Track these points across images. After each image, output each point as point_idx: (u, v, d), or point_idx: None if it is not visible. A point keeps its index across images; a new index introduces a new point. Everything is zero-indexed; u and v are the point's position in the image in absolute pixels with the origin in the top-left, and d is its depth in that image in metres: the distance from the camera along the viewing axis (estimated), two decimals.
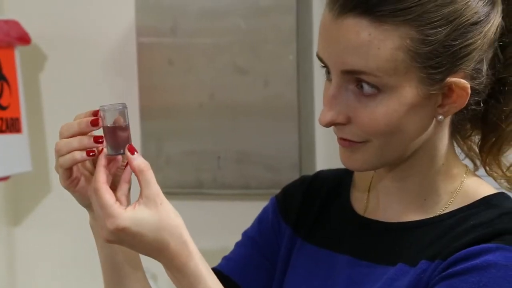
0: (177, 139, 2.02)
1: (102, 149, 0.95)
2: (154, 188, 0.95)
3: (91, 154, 0.95)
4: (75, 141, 0.96)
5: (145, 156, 2.34)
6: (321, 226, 1.10)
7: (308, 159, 2.03)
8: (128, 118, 0.95)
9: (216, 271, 1.13)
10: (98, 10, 2.17)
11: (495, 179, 1.05)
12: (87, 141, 0.95)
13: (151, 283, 2.28)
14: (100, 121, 0.95)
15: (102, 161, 0.94)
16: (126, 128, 0.94)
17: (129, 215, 0.93)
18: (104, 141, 0.94)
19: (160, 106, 2.05)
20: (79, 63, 2.17)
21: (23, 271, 2.15)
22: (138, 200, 0.94)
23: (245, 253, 1.14)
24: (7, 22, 2.04)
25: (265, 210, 1.17)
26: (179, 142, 2.02)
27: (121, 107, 0.94)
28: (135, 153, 0.96)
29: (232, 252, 1.16)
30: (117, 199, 0.95)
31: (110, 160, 0.97)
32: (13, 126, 1.97)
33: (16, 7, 2.17)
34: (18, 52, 2.05)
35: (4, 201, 2.13)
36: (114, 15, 2.16)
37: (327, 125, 0.98)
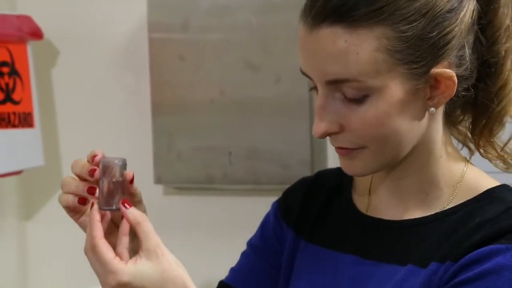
0: (188, 134, 2.03)
1: (93, 203, 0.95)
2: (154, 239, 0.94)
3: (83, 202, 0.97)
4: (73, 185, 0.98)
5: (156, 151, 2.35)
6: (323, 226, 1.10)
7: (320, 156, 2.03)
8: (125, 173, 0.96)
9: (224, 284, 1.15)
10: (110, 5, 2.18)
11: (490, 160, 1.04)
12: (81, 188, 0.97)
13: None
14: (97, 172, 0.95)
15: (96, 216, 0.94)
16: (121, 184, 0.95)
17: (130, 269, 0.92)
18: (98, 193, 0.95)
19: (172, 101, 2.05)
20: (90, 58, 2.17)
21: (34, 266, 2.16)
22: (138, 254, 0.93)
23: (249, 263, 1.15)
24: (19, 17, 2.04)
25: (267, 216, 1.17)
26: (190, 137, 2.03)
27: (120, 163, 0.96)
28: (130, 206, 0.95)
29: (238, 263, 1.17)
30: (117, 254, 0.93)
31: (104, 214, 0.97)
32: (25, 120, 1.98)
33: (29, 2, 2.18)
34: (31, 47, 2.06)
35: (16, 195, 2.14)
36: (126, 11, 2.16)
37: (321, 136, 0.98)
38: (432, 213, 1.01)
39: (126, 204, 0.95)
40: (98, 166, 0.95)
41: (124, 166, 0.96)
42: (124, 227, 0.95)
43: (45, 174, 2.14)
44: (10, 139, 1.91)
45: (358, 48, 0.91)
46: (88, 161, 0.97)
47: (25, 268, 2.16)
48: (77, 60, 2.18)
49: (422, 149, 1.00)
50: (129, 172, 0.97)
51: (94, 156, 0.96)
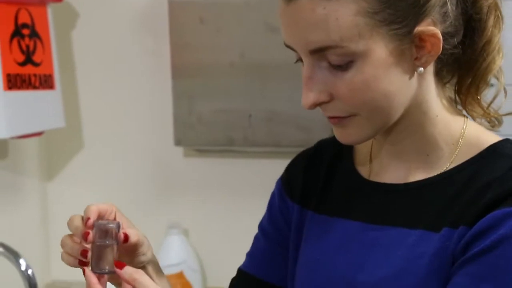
0: (208, 97, 2.03)
1: (84, 269, 0.97)
2: None
3: (83, 264, 0.99)
4: (68, 247, 1.00)
5: (176, 115, 2.34)
6: (328, 196, 1.10)
7: None
8: (119, 235, 0.98)
9: (241, 271, 1.18)
10: None
11: (474, 118, 1.05)
12: (76, 251, 0.99)
13: (183, 238, 2.31)
14: (90, 236, 0.97)
15: (92, 279, 0.96)
16: (112, 248, 0.97)
17: None
18: (91, 256, 0.97)
19: (192, 64, 2.05)
20: (110, 21, 2.17)
21: (56, 226, 2.19)
22: None
23: (261, 248, 1.17)
24: None
25: (272, 195, 1.18)
26: (210, 100, 2.03)
27: (113, 226, 0.98)
28: (124, 266, 0.97)
29: (251, 248, 1.19)
30: None
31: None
32: (46, 82, 1.99)
33: None
34: (51, 9, 2.06)
35: (37, 156, 2.16)
36: None
37: (311, 107, 0.98)
38: (436, 173, 1.01)
39: (120, 266, 0.97)
40: (91, 229, 0.97)
41: (118, 228, 0.98)
42: (126, 285, 0.97)
43: (66, 135, 2.15)
44: (31, 101, 1.92)
45: (338, 13, 0.91)
46: (83, 222, 0.99)
47: (47, 228, 2.18)
48: (96, 22, 2.18)
49: (416, 110, 0.99)
50: (120, 234, 0.99)
51: (88, 219, 0.98)
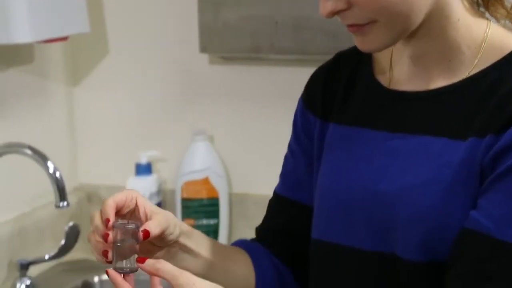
0: (234, 3, 1.99)
1: (107, 270, 0.98)
2: (179, 274, 0.95)
3: (110, 262, 1.00)
4: (92, 242, 1.01)
5: (201, 21, 2.31)
6: (349, 106, 1.09)
7: None
8: (139, 235, 0.99)
9: (276, 193, 1.19)
10: None
11: (498, 20, 1.02)
12: (99, 249, 1.00)
13: (208, 144, 2.33)
14: (110, 237, 0.97)
15: (117, 278, 0.96)
16: (133, 247, 0.98)
17: None
18: (112, 256, 0.98)
19: None
20: None
21: (82, 131, 2.21)
22: None
23: (291, 169, 1.17)
24: None
25: (295, 114, 1.18)
26: (236, 7, 1.99)
27: (133, 226, 0.98)
28: (145, 260, 0.97)
29: (282, 169, 1.20)
30: None
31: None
32: None
33: None
34: None
35: (63, 61, 2.16)
36: None
37: (329, 15, 0.97)
38: (458, 79, 1.00)
39: (141, 261, 0.97)
40: (111, 229, 0.98)
41: (137, 228, 0.99)
42: (154, 279, 0.97)
43: (91, 41, 2.14)
44: (55, 5, 1.90)
45: None
46: (102, 221, 0.99)
47: (73, 133, 2.20)
48: None
49: (437, 15, 0.97)
50: (139, 234, 0.99)
51: (107, 220, 0.98)
